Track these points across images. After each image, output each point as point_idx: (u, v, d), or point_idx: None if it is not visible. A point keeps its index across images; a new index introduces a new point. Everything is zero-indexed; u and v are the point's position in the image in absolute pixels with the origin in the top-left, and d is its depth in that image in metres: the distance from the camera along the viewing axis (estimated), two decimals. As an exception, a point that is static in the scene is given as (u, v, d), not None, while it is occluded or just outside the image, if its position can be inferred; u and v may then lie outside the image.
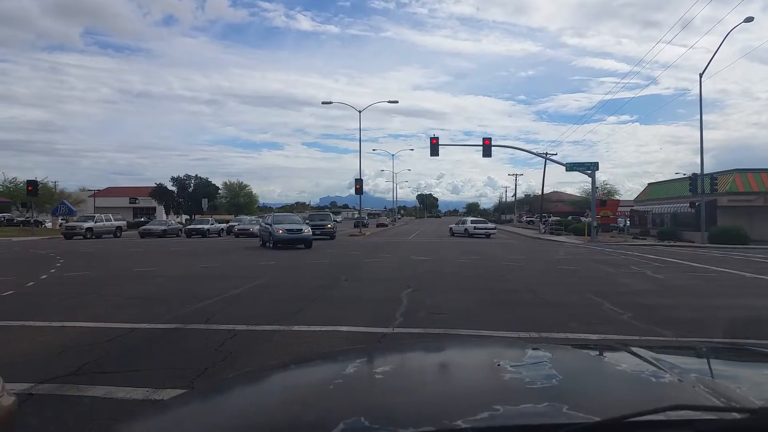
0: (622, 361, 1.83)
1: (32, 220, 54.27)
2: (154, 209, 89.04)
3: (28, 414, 4.83)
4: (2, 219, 70.29)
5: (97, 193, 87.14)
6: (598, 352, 2.08)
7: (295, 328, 8.87)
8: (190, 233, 47.43)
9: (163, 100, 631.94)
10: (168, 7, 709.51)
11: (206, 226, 48.28)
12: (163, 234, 47.35)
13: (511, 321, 9.65)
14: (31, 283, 14.47)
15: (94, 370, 6.39)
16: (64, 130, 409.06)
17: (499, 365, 1.79)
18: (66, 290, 13.41)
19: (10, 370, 5.48)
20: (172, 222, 51.77)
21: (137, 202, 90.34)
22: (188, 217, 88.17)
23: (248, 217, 57.03)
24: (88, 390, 5.61)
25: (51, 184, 76.20)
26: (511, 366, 1.75)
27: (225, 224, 52.83)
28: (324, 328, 8.83)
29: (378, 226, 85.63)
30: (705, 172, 38.95)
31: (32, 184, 47.23)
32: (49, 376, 6.08)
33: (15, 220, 68.86)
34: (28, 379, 5.85)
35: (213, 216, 67.80)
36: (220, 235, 48.54)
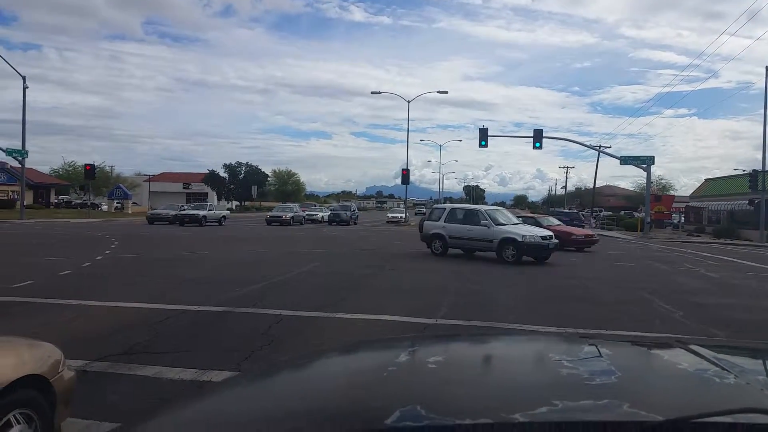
0: (682, 359, 1.76)
1: (89, 203, 56.07)
2: (206, 195, 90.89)
3: (82, 391, 4.98)
4: (61, 201, 72.97)
5: (152, 179, 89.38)
6: (656, 349, 2.00)
7: (339, 315, 8.93)
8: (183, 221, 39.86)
9: (217, 89, 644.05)
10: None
11: (202, 212, 40.99)
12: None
13: (560, 316, 9.49)
14: (87, 264, 14.97)
15: (145, 350, 6.58)
16: (121, 116, 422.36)
17: (555, 360, 1.76)
18: (119, 271, 13.85)
19: (67, 347, 5.61)
20: (213, 207, 45.27)
21: (190, 187, 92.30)
22: (238, 203, 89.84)
23: (284, 205, 55.45)
24: (139, 369, 5.78)
25: (108, 169, 78.66)
26: (567, 361, 1.72)
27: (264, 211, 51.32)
28: (367, 317, 8.87)
29: (389, 223, 53.42)
30: (767, 168, 37.40)
31: (90, 167, 48.68)
32: (103, 354, 6.28)
33: (73, 203, 71.38)
34: (84, 357, 6.06)
35: (262, 203, 68.57)
36: (221, 224, 42.16)
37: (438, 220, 20.42)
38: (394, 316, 8.98)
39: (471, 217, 19.63)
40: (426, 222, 21.08)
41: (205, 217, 40.31)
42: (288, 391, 1.61)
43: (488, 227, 18.74)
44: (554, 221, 26.98)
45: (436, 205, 24.34)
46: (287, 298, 10.38)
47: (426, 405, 1.28)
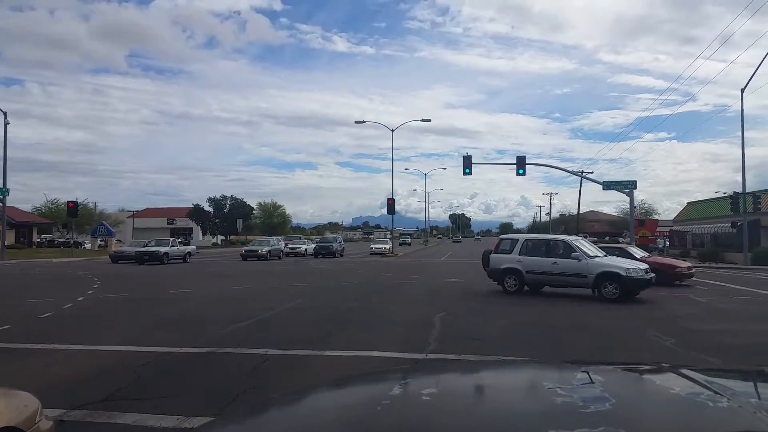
0: (675, 384, 1.75)
1: (72, 241, 55.43)
2: (191, 230, 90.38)
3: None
4: (43, 240, 72.07)
5: (136, 214, 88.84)
6: (649, 375, 2.01)
7: (327, 353, 8.76)
8: (142, 258, 36.82)
9: (201, 122, 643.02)
10: (211, 29, 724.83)
11: (164, 249, 38.04)
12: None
13: (550, 347, 9.41)
14: (69, 305, 14.67)
15: (126, 396, 6.37)
16: (105, 151, 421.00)
17: (549, 388, 1.75)
18: (102, 312, 13.57)
19: (44, 395, 5.44)
20: (176, 243, 40.87)
21: (174, 222, 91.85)
22: (224, 237, 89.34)
23: (261, 238, 53.89)
24: (119, 417, 5.57)
25: (91, 205, 78.07)
26: (560, 389, 1.70)
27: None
28: (356, 353, 8.70)
29: (373, 254, 52.04)
30: (747, 191, 37.86)
31: (73, 204, 48.22)
32: (82, 402, 6.06)
33: (56, 241, 70.54)
34: (61, 405, 5.84)
35: (247, 236, 68.29)
36: (186, 261, 39.57)
37: (510, 253, 17.89)
38: (383, 352, 8.82)
39: (555, 249, 17.36)
40: (493, 255, 18.41)
41: (167, 254, 37.45)
42: (281, 427, 1.58)
43: (579, 260, 16.43)
44: (643, 252, 23.57)
45: (504, 236, 21.06)
46: (273, 336, 10.19)
47: None
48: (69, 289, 19.00)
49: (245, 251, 43.14)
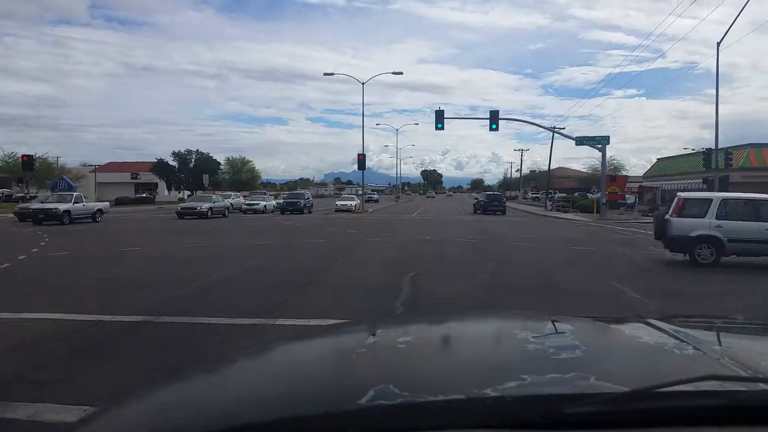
0: (643, 333, 1.76)
1: (29, 196, 53.32)
2: (156, 185, 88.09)
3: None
4: (1, 195, 69.53)
5: (98, 169, 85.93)
6: (618, 325, 1.99)
7: (280, 321, 7.83)
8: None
9: (167, 75, 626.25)
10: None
11: (63, 206, 30.87)
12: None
13: (524, 310, 8.64)
14: (6, 265, 13.50)
15: (33, 379, 5.37)
16: (68, 104, 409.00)
17: (522, 337, 1.77)
18: (41, 273, 12.51)
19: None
20: (81, 199, 32.90)
21: (138, 177, 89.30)
22: (189, 192, 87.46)
23: (202, 195, 49.71)
24: (12, 410, 4.54)
25: (52, 159, 75.35)
26: (533, 337, 1.72)
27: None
28: (312, 322, 7.76)
29: (338, 211, 48.98)
30: (719, 147, 37.61)
31: (27, 157, 46.10)
32: (-27, 388, 5.05)
33: (14, 196, 68.14)
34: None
35: (215, 191, 66.51)
36: (95, 220, 33.12)
37: (702, 216, 14.35)
38: (344, 321, 7.95)
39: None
40: (675, 219, 14.58)
41: (67, 212, 30.60)
42: (256, 377, 1.51)
43: None
44: None
45: (687, 195, 15.84)
46: (220, 302, 9.19)
47: (398, 383, 1.24)
48: (13, 247, 17.76)
49: (181, 208, 37.88)
